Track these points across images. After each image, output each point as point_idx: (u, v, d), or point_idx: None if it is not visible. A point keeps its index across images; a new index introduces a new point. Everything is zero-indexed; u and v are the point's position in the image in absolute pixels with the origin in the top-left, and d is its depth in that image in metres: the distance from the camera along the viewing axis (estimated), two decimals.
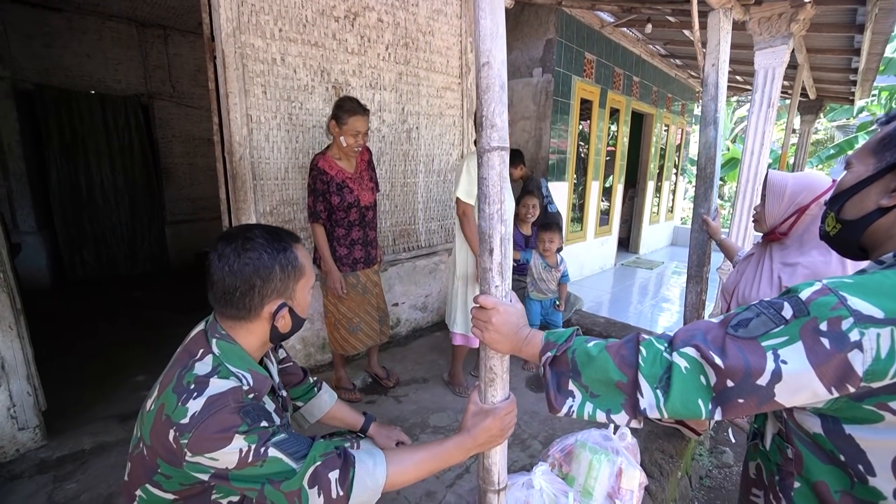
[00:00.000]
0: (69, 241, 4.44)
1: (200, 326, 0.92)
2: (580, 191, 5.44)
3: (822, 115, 7.37)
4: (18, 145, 3.98)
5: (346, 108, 1.97)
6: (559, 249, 2.80)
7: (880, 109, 10.60)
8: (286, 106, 2.39)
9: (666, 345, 0.69)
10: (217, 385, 0.81)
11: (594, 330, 2.79)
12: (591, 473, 1.43)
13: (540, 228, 2.82)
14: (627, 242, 7.10)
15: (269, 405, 0.94)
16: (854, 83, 5.35)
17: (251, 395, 0.85)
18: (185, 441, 0.76)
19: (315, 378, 1.27)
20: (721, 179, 12.13)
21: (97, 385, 2.46)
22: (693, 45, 4.90)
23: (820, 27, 3.33)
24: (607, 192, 6.23)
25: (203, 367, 0.84)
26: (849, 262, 1.34)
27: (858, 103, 7.44)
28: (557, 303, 2.82)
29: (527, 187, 4.02)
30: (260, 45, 2.25)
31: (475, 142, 2.21)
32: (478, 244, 2.14)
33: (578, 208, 5.42)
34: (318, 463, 0.82)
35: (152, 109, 4.79)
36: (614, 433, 1.58)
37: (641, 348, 0.70)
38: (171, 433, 0.77)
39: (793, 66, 4.29)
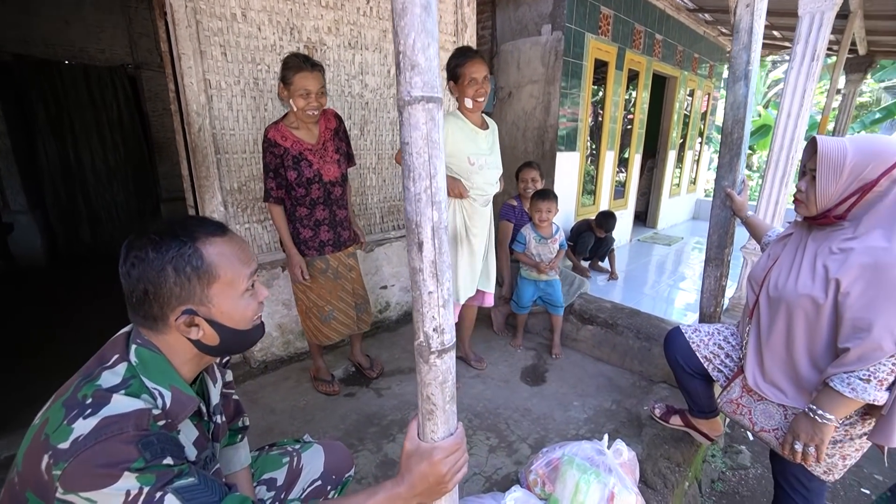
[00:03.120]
0: (62, 220, 4.36)
1: (126, 329, 0.77)
2: (594, 161, 5.06)
3: (870, 73, 6.64)
4: (2, 121, 3.85)
5: (291, 65, 1.71)
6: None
7: None
8: (250, 69, 2.13)
9: None
10: (119, 404, 0.64)
11: (599, 316, 2.54)
12: (576, 497, 1.22)
13: (535, 196, 2.55)
14: (645, 216, 6.69)
15: (189, 433, 0.77)
16: None
17: (161, 423, 0.67)
18: (59, 472, 0.58)
19: (245, 423, 1.07)
20: (750, 148, 11.35)
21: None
22: None
23: None
24: (624, 163, 5.81)
25: (111, 377, 0.68)
26: None
27: None
28: (551, 262, 2.56)
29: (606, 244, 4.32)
30: None
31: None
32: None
33: (591, 180, 5.06)
34: None
35: (140, 81, 4.58)
36: (608, 447, 1.36)
37: None
38: (45, 459, 0.60)
39: (842, 14, 3.75)
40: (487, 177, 1.99)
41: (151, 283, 0.68)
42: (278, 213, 1.87)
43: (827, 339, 1.16)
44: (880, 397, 1.05)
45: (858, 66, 5.77)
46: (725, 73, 7.25)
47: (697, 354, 1.59)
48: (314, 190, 1.89)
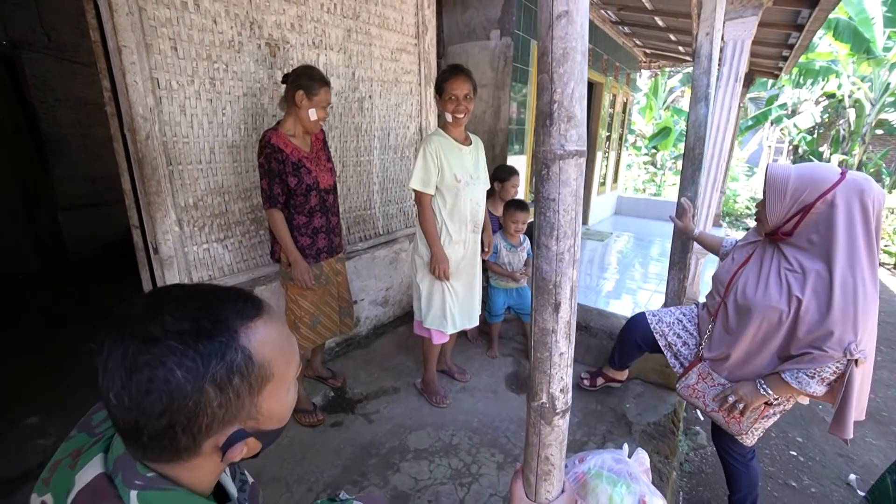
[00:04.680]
0: None
1: (97, 468, 0.50)
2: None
3: (749, 88, 7.77)
4: None
5: (318, 78, 1.74)
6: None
7: (789, 84, 11.48)
8: (206, 67, 1.86)
9: None
10: None
11: (592, 326, 2.64)
12: None
13: (512, 206, 2.58)
14: None
15: None
16: (784, 59, 5.58)
17: None
18: None
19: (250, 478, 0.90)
20: (654, 147, 12.70)
21: None
22: (645, 13, 4.78)
23: (782, 0, 3.29)
24: None
25: None
26: (862, 272, 1.22)
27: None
28: (523, 270, 2.62)
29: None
30: None
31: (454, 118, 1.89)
32: (435, 238, 1.80)
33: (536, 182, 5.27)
34: None
35: (21, 64, 3.78)
36: (629, 456, 1.43)
37: None
38: None
39: None
40: (474, 193, 1.98)
41: (183, 414, 0.45)
42: (281, 219, 1.79)
43: (782, 342, 1.37)
44: (820, 390, 1.29)
45: (743, 81, 6.69)
46: (639, 81, 8.00)
47: (660, 342, 1.80)
48: (312, 197, 1.85)
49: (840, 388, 1.27)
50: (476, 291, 2.16)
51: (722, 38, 2.90)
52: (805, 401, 1.47)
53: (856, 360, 1.22)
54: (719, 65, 3.01)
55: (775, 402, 1.41)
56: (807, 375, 1.27)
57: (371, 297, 2.85)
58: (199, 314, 0.47)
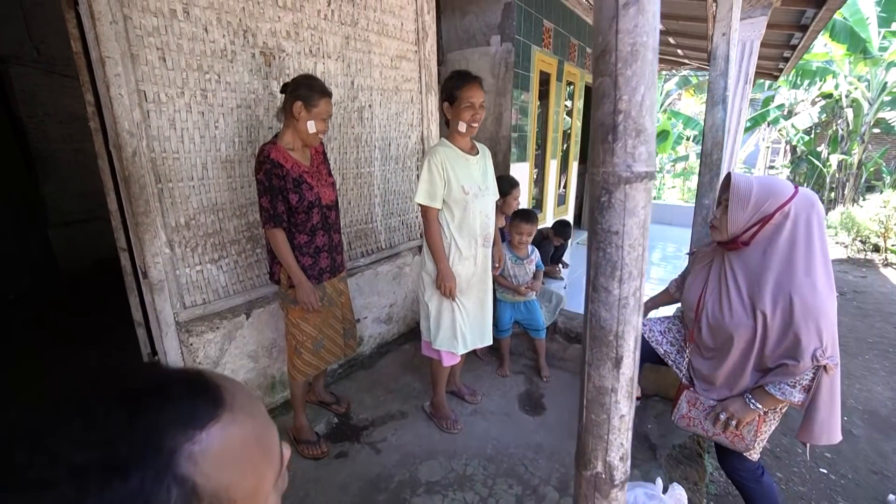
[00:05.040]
0: None
1: None
2: (539, 172, 5.18)
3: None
4: None
5: (318, 88, 1.65)
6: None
7: (786, 85, 11.48)
8: (197, 78, 1.76)
9: None
10: None
11: None
12: None
13: (518, 216, 2.48)
14: (578, 220, 7.07)
15: None
16: (785, 60, 5.53)
17: None
18: None
19: None
20: None
21: None
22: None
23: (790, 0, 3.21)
24: (562, 170, 6.06)
25: None
26: (819, 281, 1.23)
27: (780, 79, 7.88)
28: (530, 284, 2.48)
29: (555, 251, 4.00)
30: None
31: (462, 127, 1.79)
32: (441, 255, 1.64)
33: (538, 186, 5.18)
34: None
35: (8, 78, 3.68)
36: (664, 491, 1.31)
37: None
38: None
39: None
40: (484, 205, 1.88)
41: None
42: (283, 239, 1.67)
43: (756, 357, 1.37)
44: (801, 398, 1.30)
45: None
46: None
47: (658, 351, 1.74)
48: (314, 215, 1.73)
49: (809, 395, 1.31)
50: (487, 309, 2.05)
51: None
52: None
53: (825, 367, 1.23)
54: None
55: (772, 409, 1.42)
56: (788, 386, 1.30)
57: (374, 315, 2.73)
58: (116, 431, 0.31)
